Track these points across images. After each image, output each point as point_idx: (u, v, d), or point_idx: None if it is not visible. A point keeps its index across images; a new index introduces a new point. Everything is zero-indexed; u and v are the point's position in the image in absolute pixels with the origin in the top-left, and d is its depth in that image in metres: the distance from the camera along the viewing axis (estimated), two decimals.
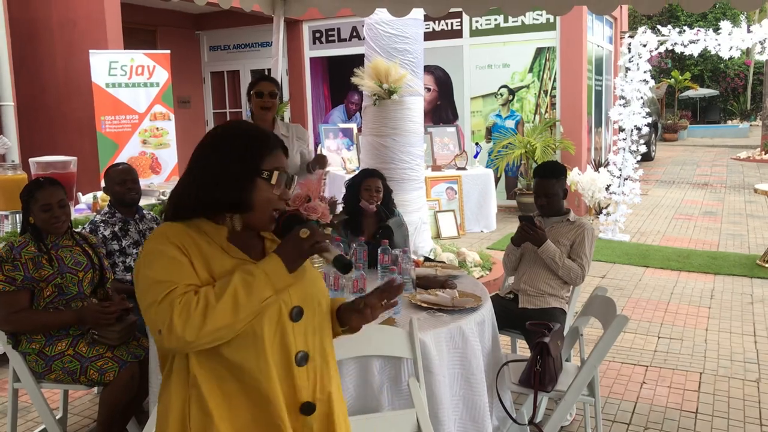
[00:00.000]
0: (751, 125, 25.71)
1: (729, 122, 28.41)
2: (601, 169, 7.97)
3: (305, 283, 1.63)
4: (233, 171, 1.55)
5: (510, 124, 9.99)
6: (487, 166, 9.41)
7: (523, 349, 3.87)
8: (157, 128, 7.73)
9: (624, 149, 7.86)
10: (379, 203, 3.80)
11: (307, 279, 1.63)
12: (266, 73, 9.03)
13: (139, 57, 7.61)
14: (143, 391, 2.96)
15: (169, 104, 7.83)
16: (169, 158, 7.84)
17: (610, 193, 8.01)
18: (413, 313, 2.80)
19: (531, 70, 9.80)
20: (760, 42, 7.01)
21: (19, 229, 3.26)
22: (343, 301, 1.83)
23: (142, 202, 5.61)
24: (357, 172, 4.38)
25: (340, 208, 4.06)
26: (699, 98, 28.83)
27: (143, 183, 6.98)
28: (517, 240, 3.67)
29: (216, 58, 12.07)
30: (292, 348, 1.57)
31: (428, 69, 10.27)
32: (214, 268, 1.53)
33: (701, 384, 4.04)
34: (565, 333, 3.32)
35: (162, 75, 7.74)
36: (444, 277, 3.31)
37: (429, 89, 10.38)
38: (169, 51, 8.00)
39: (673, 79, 26.72)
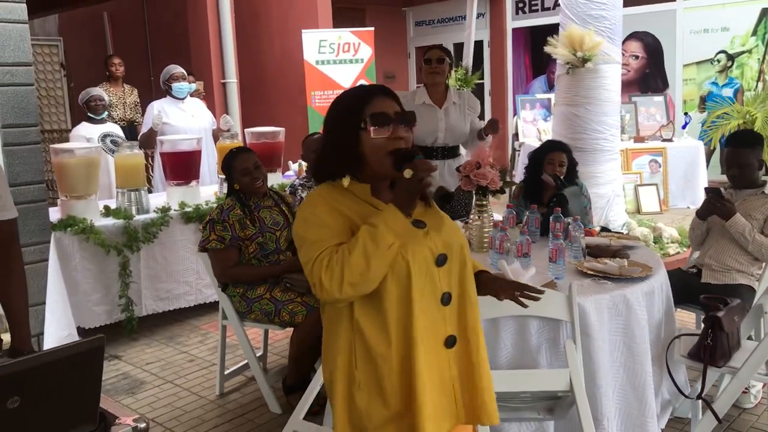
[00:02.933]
0: None
1: None
2: None
3: (446, 233, 1.78)
4: (339, 136, 1.73)
5: (727, 92, 9.22)
6: (699, 138, 8.80)
7: None
8: None
9: None
10: (562, 177, 3.80)
11: (446, 229, 1.79)
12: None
13: (346, 35, 8.11)
14: None
15: (371, 79, 8.25)
16: None
17: None
18: (578, 280, 2.83)
19: (754, 33, 8.94)
20: None
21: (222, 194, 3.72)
22: (482, 268, 1.98)
23: None
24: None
25: (521, 177, 4.14)
26: None
27: None
28: (702, 213, 3.51)
29: (421, 33, 12.41)
30: (438, 290, 1.73)
31: (637, 36, 9.79)
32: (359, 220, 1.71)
33: None
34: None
35: (366, 51, 8.17)
36: (617, 246, 3.28)
37: (637, 57, 9.88)
38: (372, 28, 8.42)
39: None
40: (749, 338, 3.15)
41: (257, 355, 3.62)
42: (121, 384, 3.87)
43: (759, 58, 8.94)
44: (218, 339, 3.74)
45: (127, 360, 4.21)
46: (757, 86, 8.96)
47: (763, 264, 3.41)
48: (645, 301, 2.80)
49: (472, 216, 3.40)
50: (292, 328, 3.35)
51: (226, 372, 3.74)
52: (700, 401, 2.88)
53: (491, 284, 1.92)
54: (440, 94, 4.23)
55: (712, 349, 2.75)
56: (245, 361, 3.71)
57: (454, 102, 4.22)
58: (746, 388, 3.21)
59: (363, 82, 8.18)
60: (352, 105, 1.73)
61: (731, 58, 9.17)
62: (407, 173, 1.63)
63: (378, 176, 1.73)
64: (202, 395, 3.71)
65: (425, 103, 4.19)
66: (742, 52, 9.07)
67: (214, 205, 4.25)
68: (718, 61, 9.29)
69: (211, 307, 4.75)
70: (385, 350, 1.68)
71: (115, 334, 4.45)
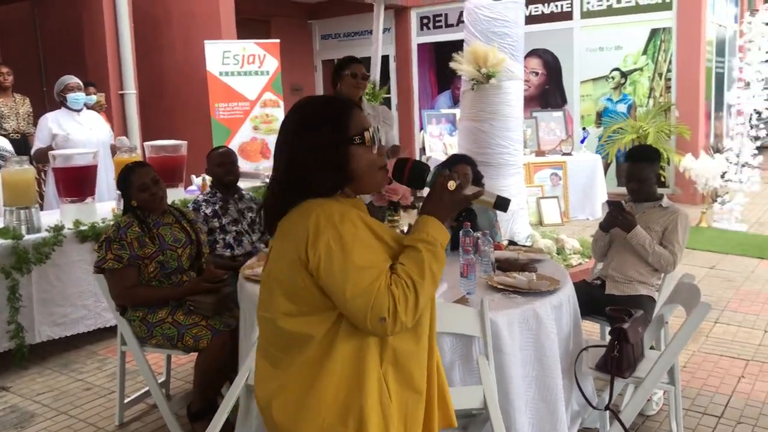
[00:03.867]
0: None
1: None
2: (717, 155, 7.58)
3: None
4: (328, 150, 1.57)
5: (622, 108, 9.66)
6: (597, 152, 9.16)
7: None
8: (267, 115, 8.07)
9: (742, 134, 7.43)
10: None
11: None
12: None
13: (251, 46, 7.96)
14: (235, 359, 3.16)
15: (278, 91, 8.14)
16: None
17: (726, 180, 7.60)
18: (488, 294, 2.83)
19: (645, 52, 9.42)
20: None
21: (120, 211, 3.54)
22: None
23: (249, 184, 5.92)
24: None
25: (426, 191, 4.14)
26: None
27: (253, 167, 7.37)
28: (605, 225, 3.60)
29: (327, 47, 12.39)
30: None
31: (536, 53, 10.11)
32: (389, 237, 1.61)
33: None
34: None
35: (272, 63, 8.05)
36: (525, 260, 3.32)
37: (537, 73, 10.20)
38: (278, 40, 8.31)
39: None
40: (651, 348, 3.24)
41: (159, 381, 3.43)
42: (8, 418, 3.59)
43: (650, 76, 9.41)
44: (117, 365, 3.53)
45: (16, 391, 3.91)
46: (648, 102, 9.43)
47: (663, 275, 3.53)
48: (554, 315, 2.83)
49: None
50: (196, 353, 3.19)
51: (126, 400, 3.53)
52: (607, 412, 2.94)
53: None
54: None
55: (619, 360, 2.81)
56: (146, 388, 3.51)
57: (369, 113, 4.19)
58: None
59: (270, 94, 8.06)
60: (337, 118, 1.61)
61: (624, 75, 9.61)
62: (452, 185, 1.59)
63: (365, 191, 1.68)
64: (99, 426, 3.48)
65: None
66: (634, 70, 9.53)
67: (112, 223, 4.03)
68: (613, 78, 9.72)
69: (111, 331, 4.48)
70: (421, 374, 1.63)
71: (2, 364, 4.13)
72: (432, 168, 1.69)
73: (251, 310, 2.89)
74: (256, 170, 6.83)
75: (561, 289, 2.94)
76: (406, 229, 3.36)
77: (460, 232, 3.26)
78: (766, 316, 4.85)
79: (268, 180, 6.08)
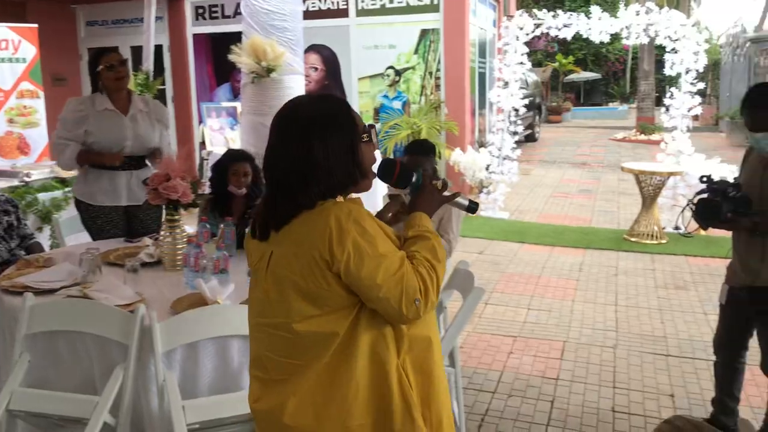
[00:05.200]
0: (629, 107, 27.10)
1: (610, 104, 29.84)
2: (482, 149, 8.21)
3: None
4: (349, 150, 1.62)
5: (397, 105, 10.09)
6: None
7: None
8: (25, 106, 7.31)
9: (503, 130, 8.11)
10: (247, 186, 3.72)
11: None
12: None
13: (3, 30, 7.15)
14: None
15: (38, 81, 7.41)
16: (40, 138, 7.42)
17: (490, 172, 8.26)
18: None
19: (416, 51, 9.91)
20: (626, 27, 7.38)
21: None
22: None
23: (5, 184, 5.32)
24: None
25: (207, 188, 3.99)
26: (583, 81, 30.10)
27: (8, 164, 6.63)
28: (387, 220, 3.72)
29: (94, 34, 11.49)
30: None
31: (316, 48, 10.21)
32: (390, 232, 1.67)
33: (564, 352, 4.27)
34: None
35: (29, 50, 7.30)
36: None
37: (316, 69, 10.31)
38: (36, 25, 7.55)
39: (557, 63, 27.76)
40: None
41: None
42: None
43: (421, 75, 9.93)
44: None
45: None
46: (421, 100, 9.94)
47: None
48: None
49: (162, 232, 3.17)
50: None
51: None
52: None
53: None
54: (124, 101, 3.91)
55: None
56: None
57: (141, 109, 3.94)
58: None
59: (27, 84, 7.31)
60: (347, 115, 1.65)
61: (399, 73, 10.05)
62: (438, 184, 1.78)
63: (364, 189, 1.70)
64: None
65: (108, 109, 3.84)
66: (407, 69, 9.99)
67: None
68: (388, 75, 10.11)
69: None
70: (435, 359, 1.70)
71: None
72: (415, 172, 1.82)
73: (11, 326, 2.60)
74: (13, 168, 6.16)
75: None
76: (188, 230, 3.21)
77: (246, 229, 3.19)
78: (528, 296, 5.35)
79: (27, 178, 5.53)
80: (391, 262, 1.55)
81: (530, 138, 16.48)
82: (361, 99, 10.24)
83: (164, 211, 3.26)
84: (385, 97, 10.15)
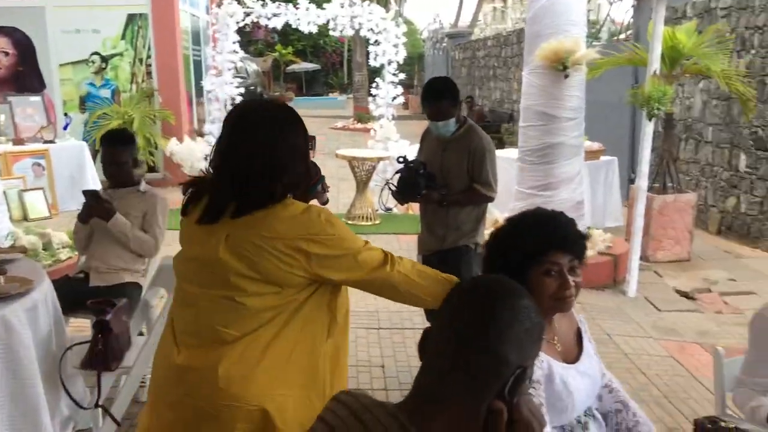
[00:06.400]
0: (348, 98, 28.42)
1: (330, 95, 31.02)
2: (199, 138, 8.01)
3: None
4: (303, 153, 1.81)
5: (105, 93, 9.41)
6: (84, 139, 8.76)
7: None
8: None
9: (220, 119, 7.99)
10: None
11: None
12: None
13: None
14: None
15: None
16: None
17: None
18: None
19: (124, 37, 9.33)
20: (332, 19, 7.68)
21: None
22: None
23: None
24: None
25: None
26: (304, 72, 30.88)
27: None
28: (83, 216, 3.44)
29: None
30: None
31: (4, 31, 9.14)
32: None
33: None
34: None
35: None
36: None
37: (7, 53, 9.22)
38: None
39: (278, 53, 28.12)
40: (140, 334, 3.24)
41: None
42: None
43: (131, 61, 9.38)
44: None
45: None
46: (132, 88, 9.40)
47: (147, 260, 3.54)
48: (27, 319, 2.58)
49: None
50: None
51: None
52: (99, 409, 2.83)
53: None
54: None
55: (104, 353, 2.71)
56: None
57: None
58: (143, 382, 3.30)
59: None
60: (298, 122, 1.79)
61: (105, 59, 9.37)
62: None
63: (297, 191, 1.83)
64: None
65: None
66: (114, 55, 9.37)
67: None
68: (93, 62, 9.39)
69: None
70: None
71: None
72: None
73: None
74: None
75: (35, 289, 2.70)
76: None
77: None
78: None
79: None
80: (356, 239, 1.84)
81: None
82: (63, 87, 9.40)
83: None
84: (92, 85, 9.43)
